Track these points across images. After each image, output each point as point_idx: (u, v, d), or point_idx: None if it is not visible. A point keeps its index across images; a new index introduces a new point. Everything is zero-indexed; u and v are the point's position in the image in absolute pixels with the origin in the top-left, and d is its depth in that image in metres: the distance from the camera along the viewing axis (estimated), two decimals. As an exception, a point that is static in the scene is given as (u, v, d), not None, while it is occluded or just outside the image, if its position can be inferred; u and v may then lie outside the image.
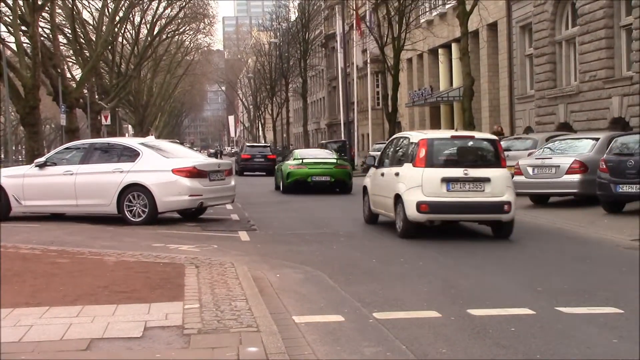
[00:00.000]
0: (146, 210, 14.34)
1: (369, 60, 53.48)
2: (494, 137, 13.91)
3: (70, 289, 7.61)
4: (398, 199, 12.87)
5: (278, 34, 74.47)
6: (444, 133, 15.00)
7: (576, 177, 16.69)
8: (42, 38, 38.87)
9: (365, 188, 15.54)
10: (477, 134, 15.29)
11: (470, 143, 13.60)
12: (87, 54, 48.16)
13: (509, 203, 12.37)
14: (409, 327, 6.52)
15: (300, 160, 25.08)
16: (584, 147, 17.57)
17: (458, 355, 5.71)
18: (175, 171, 14.40)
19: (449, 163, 12.90)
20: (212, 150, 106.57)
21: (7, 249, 10.57)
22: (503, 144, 22.09)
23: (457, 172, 12.51)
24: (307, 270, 9.37)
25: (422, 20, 43.18)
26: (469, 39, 29.70)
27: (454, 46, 40.38)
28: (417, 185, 12.48)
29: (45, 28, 44.34)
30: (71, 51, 52.62)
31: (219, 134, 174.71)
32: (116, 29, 50.91)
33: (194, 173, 14.52)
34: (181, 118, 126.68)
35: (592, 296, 7.74)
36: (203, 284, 7.81)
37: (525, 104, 32.38)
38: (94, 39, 49.49)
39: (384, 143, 35.18)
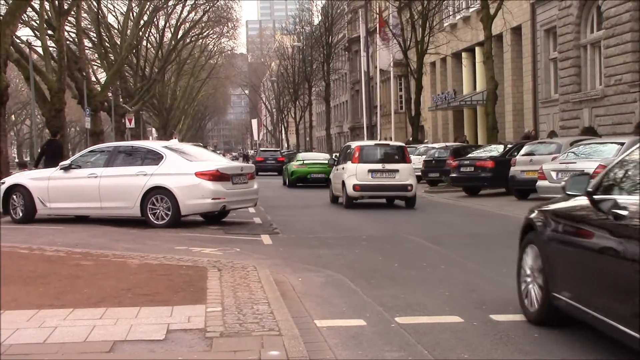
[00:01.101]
0: (169, 213, 14.41)
1: (392, 64, 53.45)
2: (402, 144, 22.22)
3: (94, 291, 7.66)
4: (343, 183, 19.80)
5: (301, 37, 74.63)
6: (371, 142, 24.16)
7: (601, 182, 16.54)
8: (67, 42, 39.24)
9: (329, 180, 22.93)
10: (392, 143, 24.23)
11: (387, 148, 21.27)
12: (112, 58, 48.59)
13: (411, 185, 19.50)
14: (431, 331, 6.50)
15: (302, 161, 32.01)
16: (608, 151, 17.42)
17: (480, 360, 5.69)
18: (199, 174, 14.47)
19: (373, 160, 19.92)
20: (234, 154, 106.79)
21: (33, 250, 10.69)
22: (527, 148, 22.16)
23: (378, 166, 19.69)
24: (329, 274, 9.37)
25: (445, 24, 43.12)
26: (493, 42, 29.62)
27: (477, 50, 40.25)
28: (353, 174, 19.48)
29: (71, 32, 44.79)
30: (96, 55, 53.09)
31: (242, 137, 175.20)
32: (140, 33, 51.33)
33: (217, 176, 14.58)
34: (204, 121, 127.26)
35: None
36: (225, 287, 7.83)
37: (549, 108, 32.20)
38: (118, 43, 49.95)
39: (409, 146, 35.72)
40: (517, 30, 36.29)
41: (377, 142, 23.65)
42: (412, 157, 32.60)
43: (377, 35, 50.10)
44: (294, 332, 6.02)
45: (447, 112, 47.61)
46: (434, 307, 7.47)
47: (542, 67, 33.38)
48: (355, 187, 19.37)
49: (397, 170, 19.52)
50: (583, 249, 5.66)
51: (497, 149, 24.41)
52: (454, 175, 24.35)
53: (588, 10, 27.34)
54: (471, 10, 41.04)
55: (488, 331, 6.50)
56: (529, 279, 6.67)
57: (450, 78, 47.07)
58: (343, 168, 20.22)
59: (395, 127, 50.84)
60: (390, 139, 50.98)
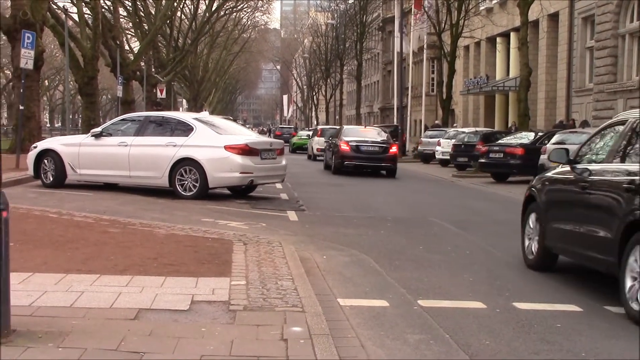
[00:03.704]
0: (197, 185, 14.49)
1: (425, 46, 52.99)
2: (339, 127, 36.55)
3: (121, 259, 7.75)
4: (312, 148, 37.37)
5: (335, 15, 74.23)
6: (327, 126, 47.81)
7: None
8: (103, 10, 39.39)
9: (310, 147, 38.71)
10: (337, 127, 39.79)
11: (333, 130, 34.53)
12: (146, 27, 48.67)
13: None
14: (453, 316, 6.50)
15: (300, 137, 50.21)
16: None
17: (501, 347, 5.68)
18: (228, 148, 14.51)
19: (326, 136, 32.84)
20: (263, 128, 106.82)
21: (62, 215, 10.82)
22: (558, 136, 21.90)
23: (327, 138, 31.32)
24: (353, 254, 9.40)
25: (481, 8, 42.69)
26: (529, 28, 29.26)
27: (512, 35, 39.85)
28: (317, 142, 36.22)
29: (107, 0, 44.88)
30: (130, 24, 53.22)
31: (272, 113, 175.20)
32: (175, 4, 51.31)
33: (246, 150, 14.61)
34: (235, 95, 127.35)
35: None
36: (250, 262, 7.88)
37: (583, 97, 31.85)
38: (153, 13, 49.98)
39: (436, 130, 35.65)
40: (554, 17, 35.83)
41: (331, 126, 46.96)
42: (442, 140, 32.71)
43: (412, 16, 49.70)
44: (317, 310, 6.06)
45: (479, 96, 47.25)
46: (457, 292, 7.47)
47: (578, 56, 32.98)
48: (317, 149, 35.44)
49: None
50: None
51: (527, 137, 24.20)
52: (483, 160, 24.23)
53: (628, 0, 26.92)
54: (509, -6, 40.56)
55: (510, 319, 6.50)
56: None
57: (483, 63, 46.67)
58: (313, 139, 38.17)
59: (425, 109, 50.49)
60: (421, 122, 50.84)
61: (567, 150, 8.56)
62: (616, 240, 6.66)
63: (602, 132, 8.12)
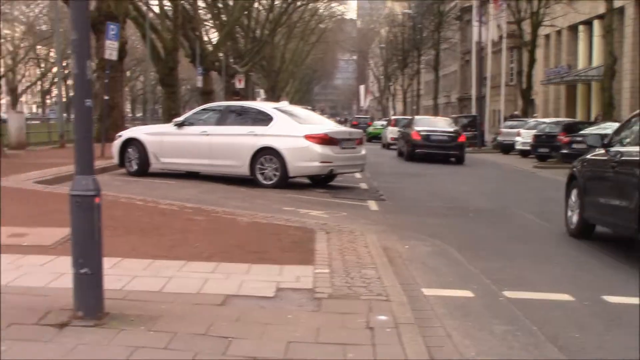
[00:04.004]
0: (277, 174, 14.60)
1: (504, 35, 52.12)
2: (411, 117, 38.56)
3: (206, 246, 7.86)
4: (386, 137, 39.54)
5: (412, 4, 73.66)
6: (401, 116, 48.15)
7: None
8: (182, 2, 40.00)
9: (384, 136, 41.07)
10: (408, 117, 42.50)
11: (405, 121, 35.45)
12: (224, 19, 49.23)
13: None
14: (540, 308, 6.39)
15: (375, 127, 52.92)
16: None
17: (591, 341, 5.55)
18: (308, 137, 14.57)
19: (400, 125, 34.84)
20: (341, 119, 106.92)
21: (147, 203, 11.04)
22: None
23: (401, 128, 32.02)
24: (436, 244, 9.32)
25: (563, -5, 41.67)
26: (613, 15, 28.46)
27: (596, 23, 38.84)
28: (391, 132, 38.10)
29: (186, -8, 45.52)
30: (209, 15, 53.90)
31: (349, 103, 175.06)
32: (253, -5, 51.74)
33: (326, 140, 14.64)
34: (312, 85, 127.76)
35: None
36: (333, 250, 7.89)
37: (671, 87, 30.81)
38: (231, 4, 50.51)
39: (515, 120, 35.12)
40: (640, 4, 34.78)
41: (404, 116, 46.62)
42: (522, 130, 32.16)
43: (491, 4, 48.92)
44: (402, 299, 6.03)
45: (560, 86, 46.25)
46: (543, 284, 7.34)
47: (666, 43, 31.93)
48: (391, 138, 37.01)
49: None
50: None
51: (612, 127, 23.53)
52: (565, 151, 23.73)
53: None
54: (592, -19, 39.52)
55: (600, 312, 6.35)
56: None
57: (564, 52, 45.63)
58: (387, 129, 40.53)
59: (505, 99, 49.73)
60: (499, 112, 50.07)
61: (602, 135, 10.27)
62: (636, 209, 7.99)
63: (632, 120, 9.40)
